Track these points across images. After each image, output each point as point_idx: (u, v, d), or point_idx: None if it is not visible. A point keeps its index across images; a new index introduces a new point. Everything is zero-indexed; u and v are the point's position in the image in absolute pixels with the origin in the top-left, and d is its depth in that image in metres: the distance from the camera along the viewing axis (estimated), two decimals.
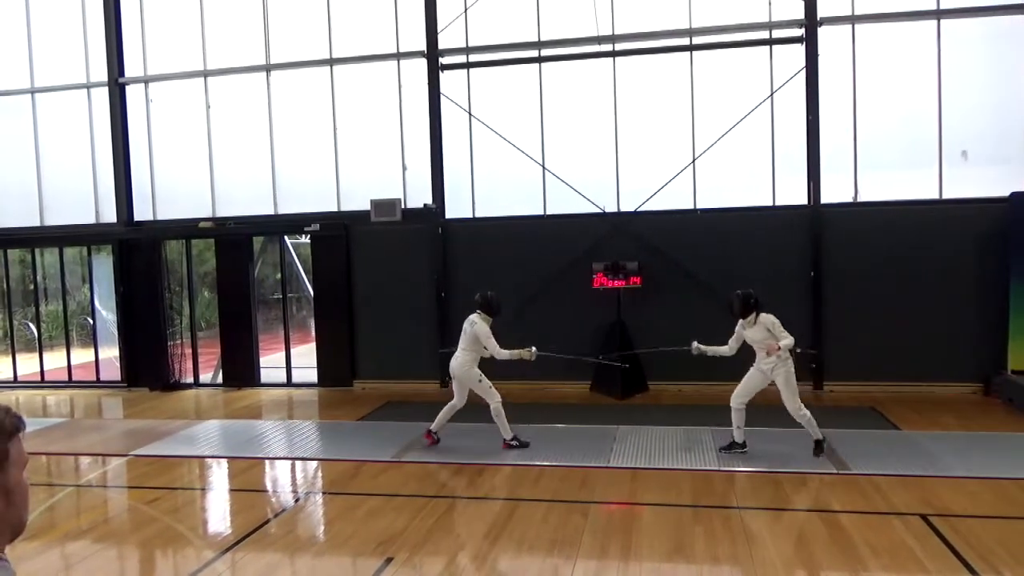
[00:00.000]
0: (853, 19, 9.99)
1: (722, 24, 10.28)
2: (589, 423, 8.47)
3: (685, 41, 10.44)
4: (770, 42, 10.27)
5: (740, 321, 7.09)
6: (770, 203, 10.33)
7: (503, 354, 7.37)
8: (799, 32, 10.10)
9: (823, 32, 10.03)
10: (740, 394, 7.18)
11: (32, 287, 13.76)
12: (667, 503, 6.02)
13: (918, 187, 9.95)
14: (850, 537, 5.19)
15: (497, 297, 7.61)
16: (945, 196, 9.87)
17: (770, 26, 10.23)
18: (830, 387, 10.09)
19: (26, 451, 1.31)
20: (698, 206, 10.49)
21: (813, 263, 10.06)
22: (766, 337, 6.92)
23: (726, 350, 7.27)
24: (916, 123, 9.95)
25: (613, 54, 10.68)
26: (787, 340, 6.84)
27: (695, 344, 7.44)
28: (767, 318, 6.94)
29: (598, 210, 10.62)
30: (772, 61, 10.25)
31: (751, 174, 10.42)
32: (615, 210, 10.68)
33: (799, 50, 10.09)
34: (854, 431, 7.95)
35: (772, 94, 10.18)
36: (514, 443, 7.56)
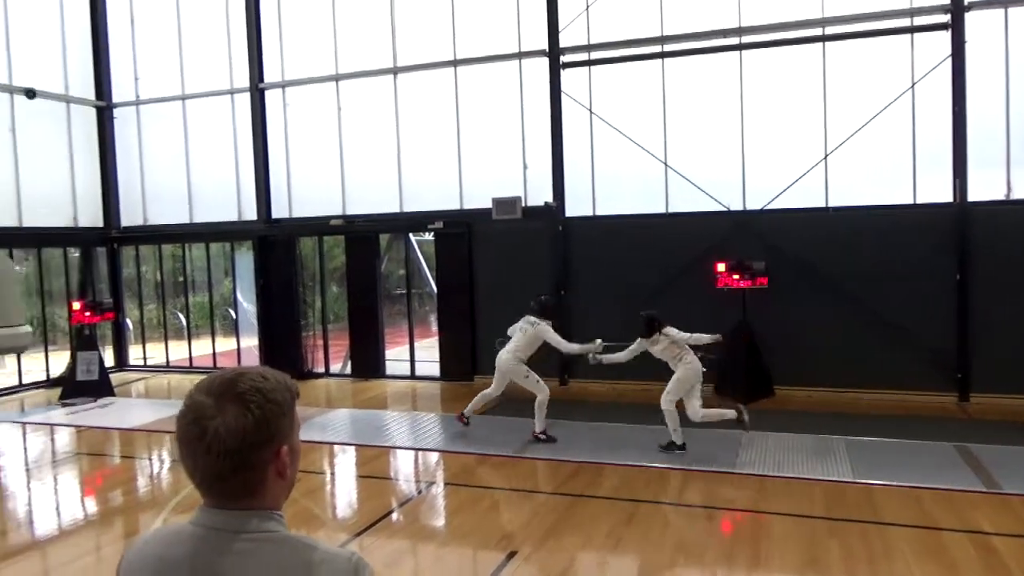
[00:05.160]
0: (1006, 1, 9.25)
1: (858, 12, 9.77)
2: (713, 427, 8.28)
3: (817, 32, 9.98)
4: (911, 30, 9.66)
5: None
6: (910, 201, 9.73)
7: (572, 348, 7.91)
8: (944, 18, 9.45)
9: (970, 17, 9.34)
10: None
11: (182, 279, 14.86)
12: (798, 513, 5.82)
13: None
14: (1004, 562, 4.83)
15: (553, 300, 8.69)
16: None
17: (911, 12, 9.63)
18: (976, 399, 9.39)
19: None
20: (830, 204, 10.03)
21: (959, 266, 9.39)
22: None
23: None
24: None
25: (739, 47, 10.36)
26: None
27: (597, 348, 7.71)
28: None
29: (723, 208, 10.35)
30: (913, 50, 9.65)
31: (889, 170, 9.86)
32: (740, 208, 10.38)
33: (943, 37, 9.46)
34: (1003, 447, 7.36)
35: (913, 85, 9.58)
36: (542, 436, 7.90)
